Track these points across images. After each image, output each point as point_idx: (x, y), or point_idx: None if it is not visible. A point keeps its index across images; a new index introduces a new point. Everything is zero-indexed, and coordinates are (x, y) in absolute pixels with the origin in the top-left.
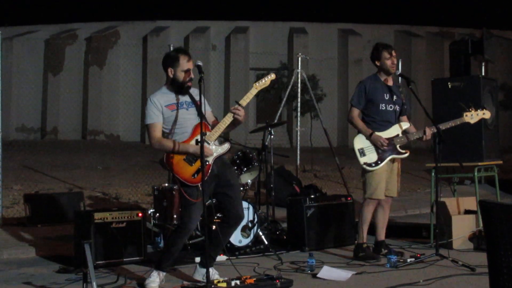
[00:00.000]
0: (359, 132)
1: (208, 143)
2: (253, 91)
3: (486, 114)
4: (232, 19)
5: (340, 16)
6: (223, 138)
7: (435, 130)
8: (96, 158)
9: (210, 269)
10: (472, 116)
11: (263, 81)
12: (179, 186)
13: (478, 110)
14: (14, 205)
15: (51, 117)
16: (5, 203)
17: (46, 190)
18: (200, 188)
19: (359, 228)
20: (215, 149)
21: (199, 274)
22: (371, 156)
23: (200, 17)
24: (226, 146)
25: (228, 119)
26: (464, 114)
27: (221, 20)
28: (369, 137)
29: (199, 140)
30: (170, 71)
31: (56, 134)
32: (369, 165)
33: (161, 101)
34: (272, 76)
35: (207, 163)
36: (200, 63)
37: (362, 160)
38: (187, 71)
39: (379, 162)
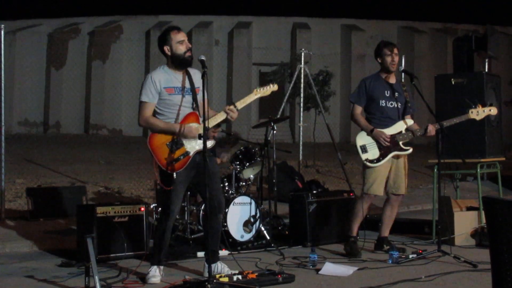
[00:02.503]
0: (361, 129)
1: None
2: (252, 97)
3: (493, 111)
4: (235, 14)
5: (343, 12)
6: (226, 132)
7: (438, 127)
8: (99, 153)
9: (219, 264)
10: (478, 113)
11: (265, 89)
12: (155, 170)
13: (485, 107)
14: (16, 199)
15: (54, 111)
16: (8, 196)
17: (49, 184)
18: (175, 177)
19: (350, 221)
20: (200, 143)
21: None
22: (373, 152)
23: (203, 12)
24: (211, 142)
25: (221, 117)
26: (470, 111)
27: (224, 15)
28: (370, 133)
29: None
30: (167, 49)
31: (59, 128)
32: (371, 161)
33: (162, 81)
34: (274, 87)
35: (188, 154)
36: (203, 57)
37: (364, 156)
38: (182, 42)
39: (381, 158)
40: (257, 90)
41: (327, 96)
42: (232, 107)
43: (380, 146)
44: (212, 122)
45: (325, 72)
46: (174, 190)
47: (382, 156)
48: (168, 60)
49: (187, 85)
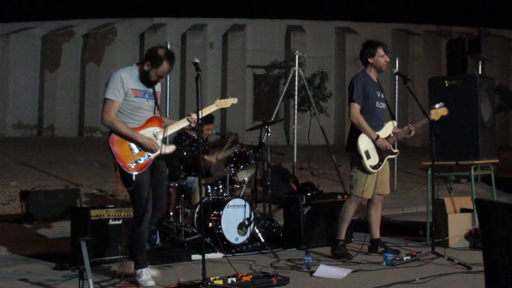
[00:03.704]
0: (364, 132)
1: (156, 138)
2: (213, 107)
3: (444, 111)
4: (230, 16)
5: (337, 14)
6: (221, 134)
7: (418, 126)
8: (93, 155)
9: (144, 270)
10: (436, 114)
11: (225, 101)
12: (115, 168)
13: (439, 107)
14: (10, 202)
15: (48, 113)
16: (1, 199)
17: (43, 187)
18: (134, 178)
19: (338, 224)
20: (162, 148)
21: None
22: (374, 158)
23: (198, 14)
24: (172, 147)
25: (183, 123)
26: (430, 112)
27: (219, 17)
28: (375, 141)
29: (155, 134)
30: (147, 65)
31: (53, 131)
32: (374, 167)
33: (129, 82)
34: (234, 100)
35: (149, 157)
36: (197, 60)
37: (368, 162)
38: (162, 77)
39: (380, 163)
40: (218, 101)
41: (324, 98)
42: (194, 115)
43: (378, 152)
44: (174, 128)
45: (321, 73)
46: (142, 189)
47: (381, 161)
48: (140, 64)
49: (151, 89)
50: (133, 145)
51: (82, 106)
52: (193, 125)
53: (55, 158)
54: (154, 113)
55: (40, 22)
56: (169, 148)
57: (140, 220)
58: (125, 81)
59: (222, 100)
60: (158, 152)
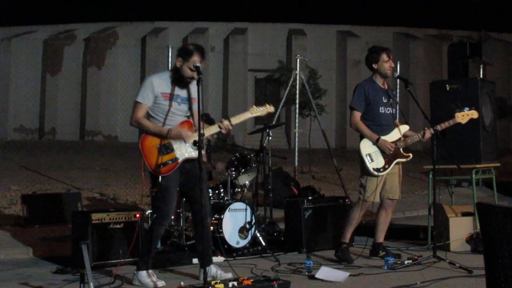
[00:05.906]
0: (365, 137)
1: (186, 142)
2: (247, 115)
3: (475, 114)
4: (231, 20)
5: (338, 18)
6: (222, 138)
7: (433, 132)
8: (94, 159)
9: (213, 267)
10: (464, 117)
11: (261, 109)
12: (142, 170)
13: (468, 111)
14: (11, 206)
15: (49, 117)
16: (3, 203)
17: (44, 191)
18: (160, 180)
19: (344, 227)
20: (189, 151)
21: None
22: (378, 161)
23: (199, 18)
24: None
25: (214, 129)
26: (456, 115)
27: (220, 21)
28: (376, 143)
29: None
30: (179, 62)
31: (54, 135)
32: (378, 170)
33: (160, 86)
34: (271, 109)
35: (176, 160)
36: (198, 64)
37: (371, 166)
38: (193, 70)
39: (386, 166)
40: (252, 109)
41: (319, 96)
42: (226, 122)
43: (384, 155)
44: (205, 133)
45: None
46: (167, 192)
47: (388, 164)
48: (172, 68)
49: (184, 94)
50: (161, 148)
51: (83, 109)
52: (223, 131)
53: (56, 162)
54: (187, 117)
55: (41, 26)
56: (196, 153)
57: (159, 222)
58: (155, 85)
59: (258, 108)
60: (186, 155)
